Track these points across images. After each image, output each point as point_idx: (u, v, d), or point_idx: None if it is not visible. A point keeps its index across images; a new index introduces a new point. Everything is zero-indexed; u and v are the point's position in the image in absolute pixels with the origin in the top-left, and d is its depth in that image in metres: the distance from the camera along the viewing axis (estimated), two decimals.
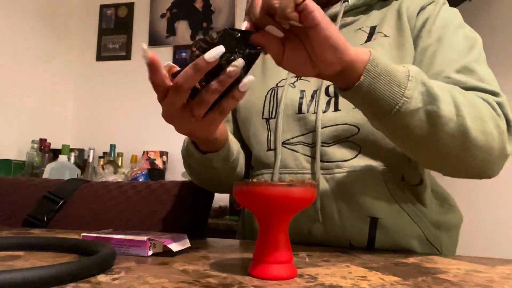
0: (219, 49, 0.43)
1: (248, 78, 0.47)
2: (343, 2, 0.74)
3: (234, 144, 0.71)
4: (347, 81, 0.50)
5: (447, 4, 0.72)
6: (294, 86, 0.72)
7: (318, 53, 0.45)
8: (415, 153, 0.56)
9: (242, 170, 0.77)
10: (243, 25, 0.46)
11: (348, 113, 0.66)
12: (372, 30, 0.72)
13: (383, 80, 0.48)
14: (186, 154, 0.68)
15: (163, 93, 0.47)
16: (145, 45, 0.44)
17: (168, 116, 0.49)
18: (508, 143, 0.56)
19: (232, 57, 0.44)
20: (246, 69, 0.46)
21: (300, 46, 0.47)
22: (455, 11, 0.71)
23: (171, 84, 0.46)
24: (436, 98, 0.50)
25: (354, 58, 0.47)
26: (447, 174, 0.59)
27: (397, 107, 0.49)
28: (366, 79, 0.48)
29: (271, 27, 0.46)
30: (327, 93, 0.69)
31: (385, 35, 0.70)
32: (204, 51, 0.44)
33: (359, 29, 0.73)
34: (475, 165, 0.55)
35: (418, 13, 0.70)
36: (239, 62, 0.44)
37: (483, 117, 0.53)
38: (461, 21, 0.69)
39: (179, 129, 0.52)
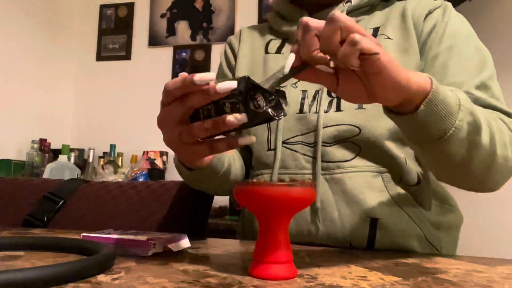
0: (231, 84, 0.41)
1: (249, 139, 0.45)
2: (346, 2, 0.74)
3: (225, 156, 0.68)
4: (404, 108, 0.48)
5: (454, 9, 0.71)
6: (296, 86, 0.72)
7: (380, 94, 0.44)
8: (440, 172, 0.57)
9: (238, 175, 0.76)
10: (290, 59, 0.44)
11: (350, 114, 0.66)
12: (375, 32, 0.71)
13: (439, 110, 0.47)
14: (176, 164, 0.68)
15: (170, 100, 0.46)
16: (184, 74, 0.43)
17: (161, 122, 0.48)
18: None
19: (238, 104, 0.42)
20: (251, 123, 0.43)
21: (355, 78, 0.44)
22: (462, 18, 0.71)
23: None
24: (479, 129, 0.50)
25: (416, 91, 0.45)
26: (459, 187, 0.59)
27: (446, 136, 0.48)
28: (425, 110, 0.46)
29: (323, 66, 0.44)
30: (329, 93, 0.69)
31: (389, 38, 0.70)
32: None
33: None
34: (490, 183, 0.57)
35: (425, 18, 0.70)
36: (242, 117, 0.42)
37: (506, 143, 0.55)
38: (470, 29, 0.69)
39: (165, 141, 0.50)
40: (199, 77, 0.41)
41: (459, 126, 0.48)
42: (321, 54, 0.42)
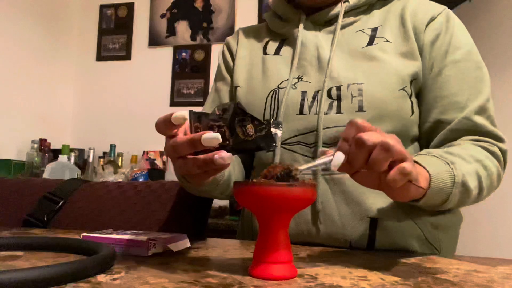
0: (216, 138, 0.40)
1: (227, 156, 0.42)
2: (344, 2, 0.74)
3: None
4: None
5: (456, 17, 0.72)
6: (296, 87, 0.71)
7: (394, 196, 0.49)
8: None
9: (239, 179, 0.77)
10: (339, 157, 0.44)
11: (351, 116, 0.66)
12: (374, 32, 0.71)
13: (436, 195, 0.54)
14: (178, 177, 0.69)
15: (177, 155, 0.45)
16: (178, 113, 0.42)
17: (167, 153, 0.48)
18: (502, 177, 0.66)
19: (223, 129, 0.41)
20: (239, 150, 0.43)
21: (376, 175, 0.46)
22: (463, 27, 0.72)
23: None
24: (470, 192, 0.58)
25: (419, 195, 0.52)
26: None
27: (441, 205, 0.58)
28: (423, 200, 0.53)
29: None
30: (329, 95, 0.68)
31: (387, 41, 0.69)
32: (223, 112, 0.42)
33: (360, 30, 0.72)
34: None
35: (427, 25, 0.69)
36: (227, 157, 0.41)
37: (493, 182, 0.63)
38: (471, 41, 0.70)
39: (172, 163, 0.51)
40: (205, 138, 0.40)
41: (453, 198, 0.56)
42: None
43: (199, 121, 0.42)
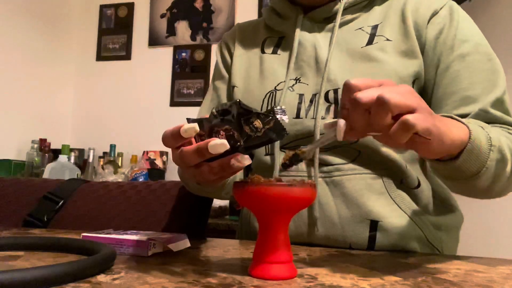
0: (223, 144, 0.39)
1: (245, 160, 0.42)
2: None
3: None
4: (442, 157, 0.50)
5: (460, 9, 0.69)
6: (293, 90, 0.70)
7: (423, 154, 0.46)
8: (460, 193, 0.61)
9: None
10: (341, 126, 0.42)
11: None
12: (374, 31, 0.69)
13: (474, 156, 0.50)
14: (181, 175, 0.68)
15: (185, 165, 0.44)
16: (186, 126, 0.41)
17: (176, 163, 0.47)
18: None
19: (232, 132, 0.41)
20: (252, 146, 0.42)
21: None
22: (470, 19, 0.68)
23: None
24: (506, 163, 0.54)
25: (456, 148, 0.48)
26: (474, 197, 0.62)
27: (476, 175, 0.52)
28: (462, 159, 0.49)
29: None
30: (326, 98, 0.67)
31: (387, 39, 0.67)
32: (223, 113, 0.41)
33: (360, 28, 0.70)
34: (506, 193, 0.60)
35: (429, 20, 0.67)
36: (246, 160, 0.41)
37: None
38: (479, 32, 0.67)
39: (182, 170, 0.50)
40: (212, 147, 0.40)
41: (490, 165, 0.51)
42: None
43: (202, 127, 0.41)
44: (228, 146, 0.40)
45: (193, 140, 0.43)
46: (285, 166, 0.45)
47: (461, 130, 0.48)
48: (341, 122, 0.41)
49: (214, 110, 0.41)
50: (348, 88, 0.41)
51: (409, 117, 0.38)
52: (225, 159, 0.41)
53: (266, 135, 0.41)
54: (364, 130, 0.41)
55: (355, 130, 0.42)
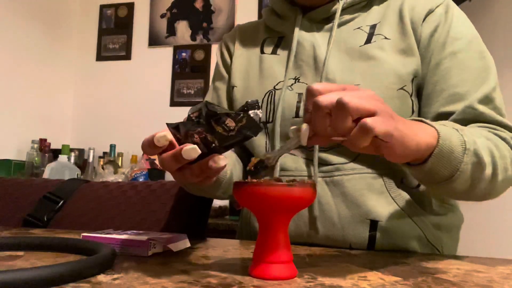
0: (194, 149, 0.40)
1: (222, 161, 0.42)
2: None
3: (227, 165, 0.67)
4: (412, 161, 0.50)
5: (456, 7, 0.69)
6: (292, 89, 0.71)
7: (389, 158, 0.45)
8: (440, 195, 0.62)
9: (240, 178, 0.76)
10: (305, 130, 0.42)
11: None
12: (372, 30, 0.70)
13: (444, 160, 0.49)
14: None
15: (167, 169, 0.45)
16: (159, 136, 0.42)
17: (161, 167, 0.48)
18: None
19: (204, 135, 0.41)
20: (227, 146, 0.42)
21: None
22: (465, 17, 0.68)
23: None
24: (483, 167, 0.52)
25: (424, 151, 0.47)
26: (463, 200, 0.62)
27: (452, 179, 0.51)
28: (431, 162, 0.49)
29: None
30: None
31: (386, 38, 0.68)
32: (198, 116, 0.41)
33: (358, 28, 0.71)
34: (491, 198, 0.60)
35: (425, 18, 0.67)
36: (222, 162, 0.41)
37: (507, 166, 0.57)
38: (474, 30, 0.67)
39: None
40: (185, 153, 0.41)
41: (464, 169, 0.50)
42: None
43: (178, 132, 0.42)
44: (199, 151, 0.40)
45: (175, 143, 0.44)
46: (251, 173, 0.44)
47: (428, 133, 0.48)
48: (304, 126, 0.42)
49: (189, 113, 0.42)
50: (311, 93, 0.42)
51: (367, 120, 0.38)
52: (203, 161, 0.42)
53: (240, 133, 0.41)
54: (327, 134, 0.41)
55: (319, 134, 0.42)
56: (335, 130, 0.40)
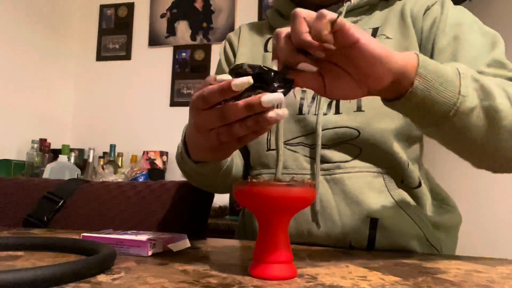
0: (248, 80, 0.40)
1: (282, 112, 0.43)
2: (346, 1, 0.74)
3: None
4: (400, 90, 0.46)
5: (451, 3, 0.70)
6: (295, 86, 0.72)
7: (365, 69, 0.43)
8: (474, 156, 0.54)
9: (239, 171, 0.77)
10: (274, 67, 0.44)
11: (349, 117, 0.66)
12: (375, 32, 0.71)
13: (437, 81, 0.45)
14: (180, 160, 0.68)
15: (206, 106, 0.44)
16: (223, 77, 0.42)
17: (199, 127, 0.47)
18: None
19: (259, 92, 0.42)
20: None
21: (340, 72, 0.44)
22: (462, 8, 0.70)
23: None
24: (490, 93, 0.47)
25: (403, 64, 0.44)
26: (494, 171, 0.56)
27: (455, 107, 0.46)
28: (420, 83, 0.45)
29: (304, 64, 0.43)
30: None
31: (388, 37, 0.69)
32: (237, 75, 0.42)
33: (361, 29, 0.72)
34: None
35: (424, 14, 0.69)
36: (284, 112, 0.42)
37: None
38: (473, 16, 0.68)
39: (200, 143, 0.50)
40: (236, 82, 0.40)
41: (465, 93, 0.46)
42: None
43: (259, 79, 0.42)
44: (252, 82, 0.40)
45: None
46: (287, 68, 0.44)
47: (408, 54, 0.46)
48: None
49: (249, 70, 0.42)
50: (292, 16, 0.43)
51: (323, 10, 0.40)
52: (260, 115, 0.42)
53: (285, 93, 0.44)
54: (302, 42, 0.41)
55: (296, 39, 0.41)
56: (314, 30, 0.40)
